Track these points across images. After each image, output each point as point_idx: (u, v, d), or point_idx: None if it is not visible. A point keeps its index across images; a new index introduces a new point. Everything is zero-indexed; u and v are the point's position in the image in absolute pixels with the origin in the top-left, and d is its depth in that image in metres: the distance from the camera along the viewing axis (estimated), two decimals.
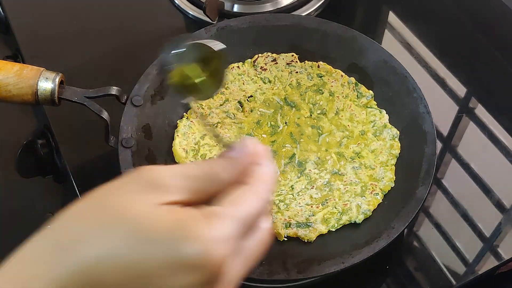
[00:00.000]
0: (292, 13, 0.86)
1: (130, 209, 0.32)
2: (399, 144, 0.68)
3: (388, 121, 0.70)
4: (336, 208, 0.63)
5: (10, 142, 0.76)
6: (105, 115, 0.64)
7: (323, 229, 0.62)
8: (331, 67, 0.74)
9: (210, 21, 0.82)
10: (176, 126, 0.70)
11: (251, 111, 0.72)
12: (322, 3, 0.89)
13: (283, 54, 0.75)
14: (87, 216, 0.33)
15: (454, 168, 0.73)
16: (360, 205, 0.63)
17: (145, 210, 0.32)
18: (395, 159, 0.67)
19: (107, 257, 0.31)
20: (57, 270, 0.31)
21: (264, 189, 0.37)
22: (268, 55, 0.75)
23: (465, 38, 0.87)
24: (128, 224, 0.32)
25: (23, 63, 0.79)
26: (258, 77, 0.74)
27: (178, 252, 0.31)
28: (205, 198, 0.36)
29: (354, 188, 0.65)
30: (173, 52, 0.45)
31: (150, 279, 0.32)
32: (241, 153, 0.38)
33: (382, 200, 0.64)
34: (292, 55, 0.75)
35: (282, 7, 0.87)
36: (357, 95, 0.72)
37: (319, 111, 0.72)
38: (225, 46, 0.47)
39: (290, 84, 0.74)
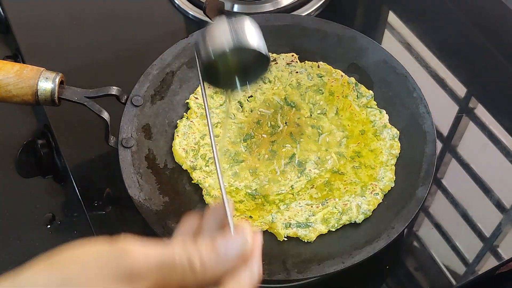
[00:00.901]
0: (292, 13, 0.86)
1: None
2: (399, 144, 0.68)
3: (388, 121, 0.70)
4: (336, 208, 0.63)
5: (10, 142, 0.76)
6: (105, 115, 0.64)
7: (323, 229, 0.62)
8: (331, 67, 0.74)
9: (210, 21, 0.82)
10: (176, 126, 0.70)
11: (251, 111, 0.72)
12: (322, 3, 0.89)
13: (283, 54, 0.75)
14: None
15: (454, 168, 0.73)
16: (360, 205, 0.63)
17: None
18: (395, 159, 0.67)
19: None
20: None
21: None
22: None
23: (465, 38, 0.87)
24: None
25: (23, 63, 0.79)
26: None
27: None
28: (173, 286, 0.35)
29: (354, 188, 0.65)
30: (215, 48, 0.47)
31: None
32: (234, 251, 0.37)
33: (382, 200, 0.64)
34: (292, 55, 0.75)
35: (282, 7, 0.87)
36: (357, 95, 0.72)
37: (319, 111, 0.72)
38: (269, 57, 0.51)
39: (290, 84, 0.74)
